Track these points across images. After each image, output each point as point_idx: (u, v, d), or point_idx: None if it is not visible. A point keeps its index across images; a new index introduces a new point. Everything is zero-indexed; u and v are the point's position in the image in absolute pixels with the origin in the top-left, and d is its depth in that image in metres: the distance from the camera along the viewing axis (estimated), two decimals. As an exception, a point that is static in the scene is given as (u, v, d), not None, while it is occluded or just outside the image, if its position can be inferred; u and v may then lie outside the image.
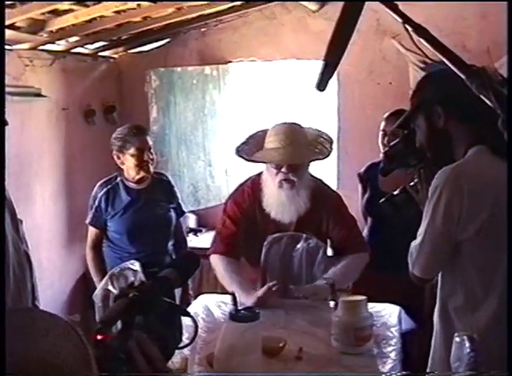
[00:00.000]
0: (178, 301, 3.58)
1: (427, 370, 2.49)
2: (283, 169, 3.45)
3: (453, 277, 2.37)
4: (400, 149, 2.69)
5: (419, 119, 2.47)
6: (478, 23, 5.34)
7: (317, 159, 3.53)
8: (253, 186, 3.67)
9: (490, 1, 4.93)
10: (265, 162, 3.53)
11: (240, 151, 3.59)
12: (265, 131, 3.61)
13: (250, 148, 3.61)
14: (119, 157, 3.87)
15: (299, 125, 3.61)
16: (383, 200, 2.75)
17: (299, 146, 3.47)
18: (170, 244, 4.09)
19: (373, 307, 3.01)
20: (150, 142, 3.91)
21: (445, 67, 2.31)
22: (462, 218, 2.24)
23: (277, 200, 3.54)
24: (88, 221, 4.00)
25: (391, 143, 2.87)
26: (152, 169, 3.93)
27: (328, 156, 3.55)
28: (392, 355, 2.77)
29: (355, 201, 4.20)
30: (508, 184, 2.05)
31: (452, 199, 2.24)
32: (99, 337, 1.21)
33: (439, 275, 2.41)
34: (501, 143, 2.16)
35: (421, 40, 2.22)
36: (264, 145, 3.54)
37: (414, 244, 2.38)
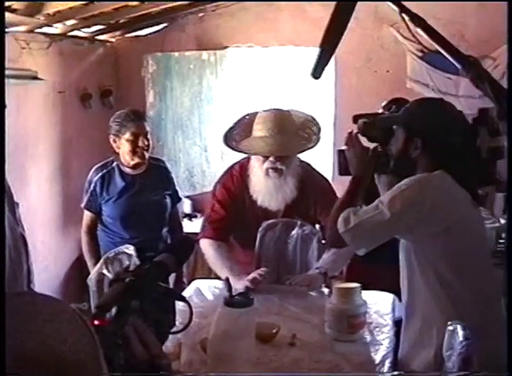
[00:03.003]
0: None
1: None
2: (270, 158, 3.45)
3: (402, 276, 2.56)
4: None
5: (399, 133, 2.53)
6: (476, 12, 5.33)
7: (305, 150, 3.53)
8: (241, 170, 3.67)
9: (490, 0, 4.92)
10: (252, 154, 3.53)
11: (228, 138, 3.60)
12: (254, 115, 3.61)
13: (239, 133, 3.61)
14: (115, 141, 3.84)
15: (287, 111, 3.61)
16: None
17: (287, 135, 3.46)
18: (164, 230, 4.08)
19: (367, 294, 3.02)
20: (147, 128, 3.88)
21: (438, 98, 2.42)
22: (416, 223, 2.37)
23: (264, 188, 3.54)
24: (83, 205, 3.99)
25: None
26: (147, 156, 3.89)
27: (316, 144, 3.55)
28: (385, 342, 2.79)
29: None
30: (508, 186, 2.08)
31: (414, 205, 2.36)
32: (96, 322, 1.21)
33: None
34: (462, 171, 2.38)
35: (418, 30, 2.23)
36: (252, 131, 3.54)
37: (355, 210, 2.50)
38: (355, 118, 2.98)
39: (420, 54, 5.23)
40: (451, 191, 2.39)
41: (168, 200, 4.07)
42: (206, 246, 3.61)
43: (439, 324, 2.32)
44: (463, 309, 2.34)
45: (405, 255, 2.51)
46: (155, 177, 4.01)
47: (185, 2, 5.26)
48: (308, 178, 3.63)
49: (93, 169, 3.97)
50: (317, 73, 2.55)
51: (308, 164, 3.71)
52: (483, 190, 2.55)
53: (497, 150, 2.50)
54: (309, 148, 3.52)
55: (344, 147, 2.70)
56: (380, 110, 4.06)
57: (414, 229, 2.38)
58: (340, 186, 3.81)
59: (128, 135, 3.79)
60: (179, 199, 4.27)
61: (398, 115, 2.60)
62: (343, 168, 2.80)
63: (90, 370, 0.91)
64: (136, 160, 3.85)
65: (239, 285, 3.24)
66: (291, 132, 3.50)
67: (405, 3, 2.41)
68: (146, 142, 3.84)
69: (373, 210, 2.40)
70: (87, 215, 4.01)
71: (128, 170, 3.92)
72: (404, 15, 2.36)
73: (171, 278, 3.92)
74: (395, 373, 2.54)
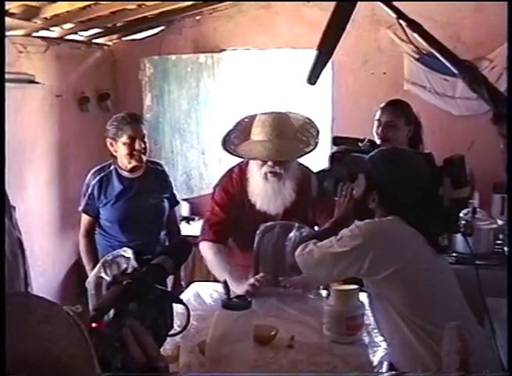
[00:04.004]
0: (170, 290, 3.59)
1: None
2: (269, 162, 3.45)
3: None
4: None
5: (361, 179, 2.59)
6: (473, 14, 5.34)
7: (304, 154, 3.53)
8: (240, 173, 3.67)
9: (490, 0, 4.93)
10: (251, 158, 3.53)
11: (226, 142, 3.60)
12: (252, 118, 3.61)
13: (237, 136, 3.61)
14: (112, 145, 3.84)
15: (286, 115, 3.61)
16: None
17: (285, 140, 3.46)
18: (162, 233, 4.07)
19: (365, 296, 3.02)
20: (144, 131, 3.88)
21: (404, 152, 2.46)
22: (359, 264, 2.40)
23: (263, 192, 3.54)
24: (80, 209, 3.99)
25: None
26: (144, 159, 3.90)
27: (315, 148, 3.55)
28: (383, 344, 2.78)
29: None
30: (508, 187, 2.09)
31: (357, 249, 2.40)
32: (93, 325, 1.21)
33: None
34: (419, 220, 2.41)
35: (415, 35, 2.24)
36: (250, 135, 3.54)
37: (315, 243, 2.57)
38: (335, 140, 3.01)
39: (416, 56, 5.23)
40: (400, 237, 2.43)
41: (166, 204, 4.07)
42: (205, 249, 3.61)
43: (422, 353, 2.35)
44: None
45: (369, 298, 2.64)
46: (153, 180, 4.01)
47: (182, 5, 5.26)
48: (307, 181, 3.62)
49: (91, 173, 3.97)
50: (313, 79, 2.55)
51: (307, 167, 3.70)
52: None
53: (460, 201, 2.51)
54: (308, 152, 3.52)
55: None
56: (378, 112, 4.07)
57: (360, 269, 2.41)
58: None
59: (124, 138, 3.78)
60: (177, 202, 4.26)
61: (363, 161, 2.60)
62: (321, 190, 2.89)
63: (83, 372, 0.91)
64: (133, 163, 3.85)
65: (238, 290, 3.25)
66: (290, 136, 3.50)
67: (403, 3, 2.41)
68: (143, 145, 3.83)
69: (329, 242, 2.48)
70: (85, 219, 4.01)
71: (125, 173, 3.92)
72: (401, 20, 2.37)
73: (170, 281, 3.92)
74: (394, 373, 2.54)
